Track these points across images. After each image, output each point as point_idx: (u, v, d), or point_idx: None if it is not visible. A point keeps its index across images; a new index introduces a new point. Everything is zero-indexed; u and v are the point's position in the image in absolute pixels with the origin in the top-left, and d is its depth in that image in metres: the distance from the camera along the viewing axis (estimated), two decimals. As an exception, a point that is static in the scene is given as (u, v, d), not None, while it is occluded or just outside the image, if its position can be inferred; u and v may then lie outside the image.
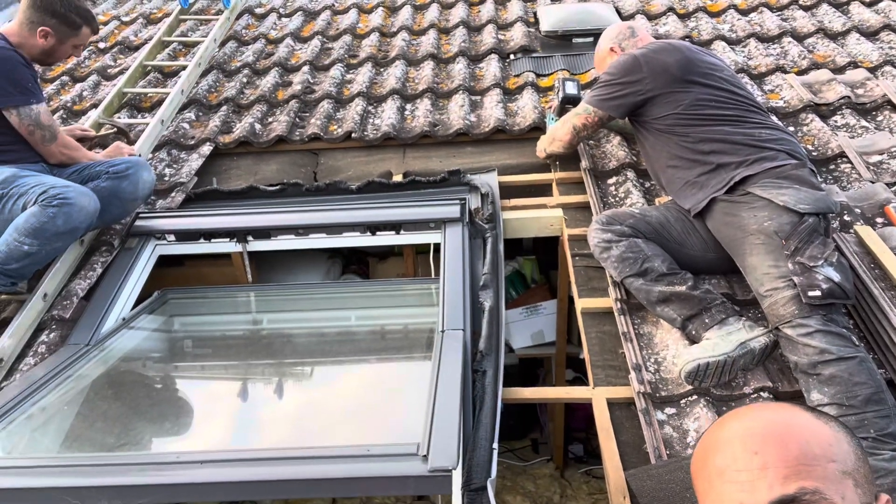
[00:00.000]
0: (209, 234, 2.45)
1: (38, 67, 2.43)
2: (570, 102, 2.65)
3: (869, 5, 3.57)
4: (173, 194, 2.69)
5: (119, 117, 3.15)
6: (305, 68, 3.51)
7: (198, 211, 2.53)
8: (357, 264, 3.33)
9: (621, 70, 2.20)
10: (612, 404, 1.83)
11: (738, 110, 2.06)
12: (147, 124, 2.94)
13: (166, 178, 2.80)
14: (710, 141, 2.00)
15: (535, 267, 3.43)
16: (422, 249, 2.76)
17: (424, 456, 1.34)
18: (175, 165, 2.91)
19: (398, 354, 2.16)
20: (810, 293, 1.62)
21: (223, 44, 3.87)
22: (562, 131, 2.46)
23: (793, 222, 1.72)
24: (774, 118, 2.42)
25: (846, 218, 2.16)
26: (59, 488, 1.35)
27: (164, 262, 2.65)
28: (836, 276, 1.64)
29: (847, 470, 0.70)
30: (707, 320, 1.78)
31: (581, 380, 3.46)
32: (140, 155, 2.70)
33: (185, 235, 2.46)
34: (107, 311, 2.16)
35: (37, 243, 2.00)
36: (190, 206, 2.64)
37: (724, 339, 1.70)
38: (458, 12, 3.97)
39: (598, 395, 1.85)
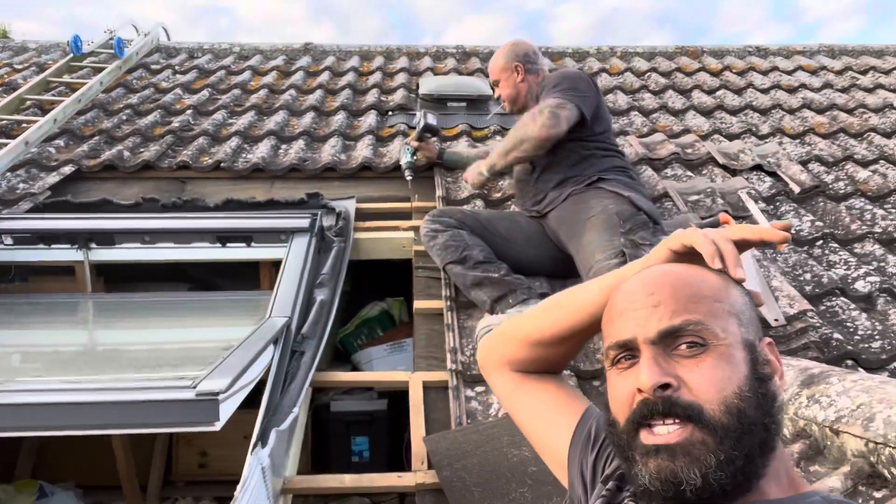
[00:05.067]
0: (48, 238, 2.39)
1: None
2: (429, 132, 2.83)
3: (708, 92, 4.07)
4: (21, 204, 2.63)
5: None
6: (189, 111, 3.61)
7: (38, 215, 2.48)
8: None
9: (579, 78, 2.25)
10: (428, 388, 1.86)
11: (610, 141, 2.31)
12: (8, 144, 2.91)
13: (17, 191, 2.74)
14: (590, 156, 2.20)
15: (404, 308, 3.47)
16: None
17: (195, 386, 1.32)
18: (31, 182, 2.86)
19: (222, 334, 2.12)
20: (634, 262, 1.77)
21: (111, 89, 3.93)
22: (534, 126, 2.10)
23: (632, 211, 1.94)
24: None
25: (659, 236, 2.37)
26: None
27: (5, 277, 2.55)
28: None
29: (733, 311, 0.74)
30: (511, 300, 1.88)
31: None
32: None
33: (22, 238, 2.39)
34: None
35: None
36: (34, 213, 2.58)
37: (520, 313, 1.79)
38: (347, 78, 4.23)
39: (415, 378, 1.88)
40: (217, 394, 1.28)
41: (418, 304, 2.18)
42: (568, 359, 1.02)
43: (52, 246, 2.42)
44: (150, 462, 3.22)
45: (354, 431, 3.34)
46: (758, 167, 3.02)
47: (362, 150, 3.17)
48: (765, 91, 4.05)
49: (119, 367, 1.87)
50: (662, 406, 0.70)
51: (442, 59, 4.71)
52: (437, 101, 3.81)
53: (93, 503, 3.06)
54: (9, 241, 2.38)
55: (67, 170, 2.94)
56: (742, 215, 2.62)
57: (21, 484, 2.93)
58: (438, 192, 2.78)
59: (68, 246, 2.42)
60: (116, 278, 2.87)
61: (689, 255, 0.79)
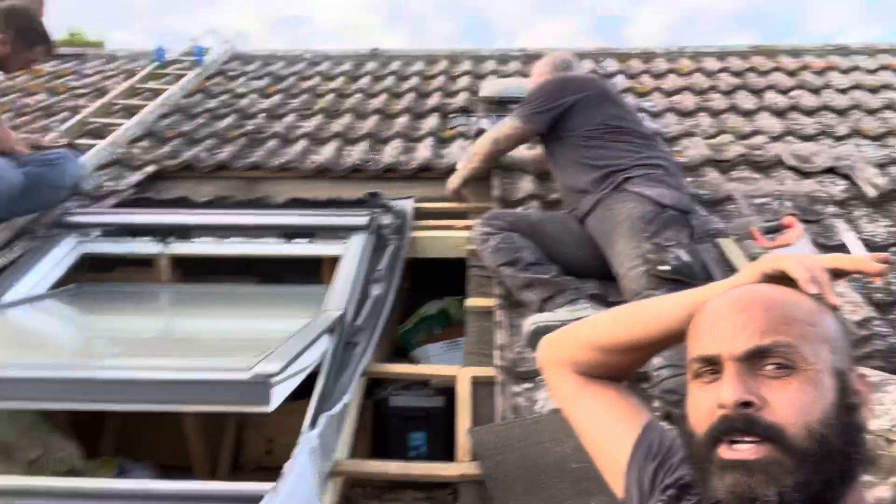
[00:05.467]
0: (131, 231, 2.58)
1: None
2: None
3: (782, 93, 3.92)
4: (107, 200, 2.84)
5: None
6: (262, 115, 3.80)
7: (122, 210, 2.67)
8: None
9: (548, 88, 2.41)
10: (477, 383, 1.90)
11: (635, 136, 2.29)
12: (98, 144, 3.15)
13: (105, 188, 2.96)
14: (606, 154, 2.20)
15: (461, 307, 3.52)
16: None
17: (251, 369, 1.41)
18: (117, 180, 3.09)
19: (282, 325, 2.23)
20: (660, 267, 1.76)
21: (191, 95, 4.18)
22: (482, 143, 2.58)
23: (655, 211, 1.91)
24: (667, 150, 2.60)
25: (717, 239, 2.32)
26: None
27: (94, 268, 2.77)
28: (685, 257, 1.79)
29: (825, 336, 0.74)
30: (560, 300, 1.90)
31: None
32: (85, 168, 2.89)
33: (108, 232, 2.59)
34: (11, 284, 2.24)
35: (-45, 206, 2.13)
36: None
37: (569, 312, 1.81)
38: (412, 81, 4.33)
39: (463, 373, 1.92)
40: (269, 376, 1.36)
41: (470, 302, 2.23)
42: (634, 368, 1.01)
43: (135, 239, 2.60)
44: (221, 446, 3.40)
45: (412, 426, 3.42)
46: (831, 170, 2.90)
47: (423, 152, 3.24)
48: (843, 91, 3.86)
49: (188, 351, 2.00)
50: (743, 423, 0.70)
51: (506, 63, 4.74)
52: (498, 104, 3.84)
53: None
54: (97, 233, 2.58)
55: (150, 169, 3.15)
56: (810, 219, 2.53)
57: (104, 461, 3.15)
58: (495, 193, 2.81)
59: (149, 239, 2.60)
60: (193, 271, 3.06)
61: (782, 280, 0.79)
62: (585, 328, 1.01)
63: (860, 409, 0.73)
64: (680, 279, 1.76)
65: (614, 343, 0.96)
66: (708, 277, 1.99)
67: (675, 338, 0.90)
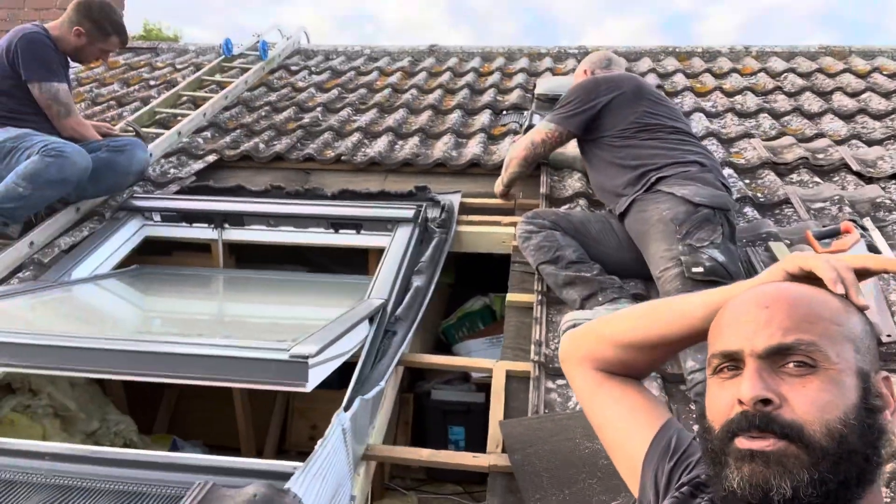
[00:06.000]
0: (189, 216, 2.70)
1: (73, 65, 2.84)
2: None
3: (851, 95, 3.75)
4: (170, 186, 2.99)
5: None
6: (319, 108, 3.90)
7: (182, 196, 2.80)
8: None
9: (581, 90, 2.39)
10: (511, 377, 1.91)
11: (670, 133, 2.24)
12: (164, 134, 3.31)
13: (168, 175, 3.11)
14: (640, 154, 2.17)
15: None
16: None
17: (290, 349, 1.47)
18: (180, 167, 3.23)
19: (327, 312, 2.30)
20: (694, 269, 1.72)
21: (254, 88, 4.33)
22: (518, 147, 2.58)
23: (688, 211, 1.85)
24: (705, 146, 2.51)
25: (770, 242, 2.25)
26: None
27: (154, 250, 2.91)
28: (720, 258, 1.74)
29: (850, 336, 0.72)
30: (601, 298, 1.88)
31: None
32: (152, 155, 3.04)
33: (168, 216, 2.72)
34: (79, 262, 2.39)
35: (30, 187, 2.29)
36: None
37: (608, 311, 1.79)
38: (467, 78, 4.35)
39: (499, 367, 1.93)
40: (307, 357, 1.41)
41: (511, 297, 2.23)
42: (653, 367, 1.01)
43: (193, 224, 2.72)
44: (267, 429, 3.52)
45: (451, 420, 3.45)
46: (898, 176, 2.76)
47: (473, 148, 3.26)
48: (919, 94, 3.67)
49: (237, 332, 2.09)
50: (760, 421, 0.70)
51: (563, 60, 4.71)
52: (552, 101, 3.81)
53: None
54: (157, 217, 2.72)
55: (211, 158, 3.28)
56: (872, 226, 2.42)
57: (157, 437, 3.31)
58: (542, 190, 2.80)
59: (205, 225, 2.72)
60: (247, 257, 3.18)
61: (808, 280, 0.78)
62: (606, 325, 1.01)
63: (884, 411, 0.72)
64: (715, 280, 1.72)
65: (635, 340, 0.95)
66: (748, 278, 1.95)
67: (696, 336, 0.89)
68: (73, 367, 1.62)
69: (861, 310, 0.76)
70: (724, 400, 0.74)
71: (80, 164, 2.36)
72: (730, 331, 0.76)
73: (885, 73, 4.03)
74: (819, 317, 0.73)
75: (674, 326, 0.91)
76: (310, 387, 1.45)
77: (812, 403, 0.69)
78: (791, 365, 0.71)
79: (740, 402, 0.71)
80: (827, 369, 0.70)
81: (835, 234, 2.15)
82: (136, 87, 4.49)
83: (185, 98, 4.02)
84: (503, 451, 1.62)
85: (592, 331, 1.02)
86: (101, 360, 1.57)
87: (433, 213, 2.70)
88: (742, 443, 0.70)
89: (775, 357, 0.71)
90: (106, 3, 2.72)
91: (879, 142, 3.14)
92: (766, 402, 0.69)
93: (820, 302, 0.75)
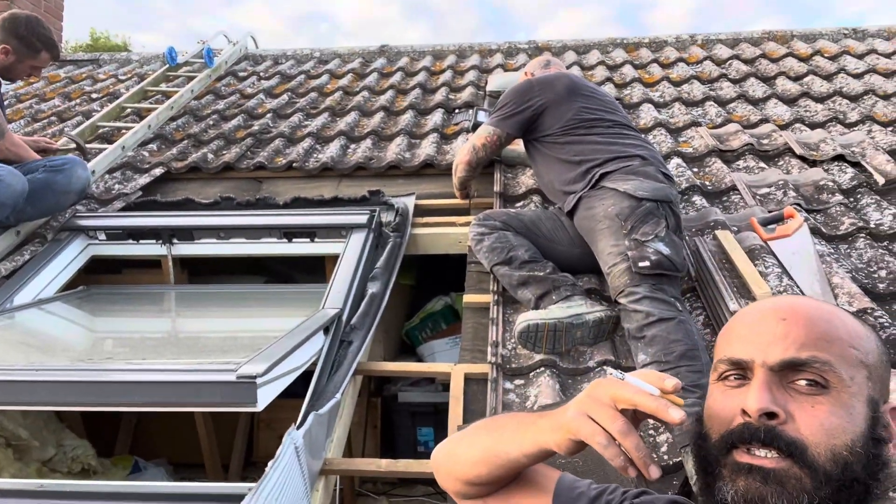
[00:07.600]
0: (136, 234, 2.63)
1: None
2: None
3: (794, 79, 3.84)
4: (115, 203, 2.90)
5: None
6: (269, 115, 3.83)
7: (127, 213, 2.72)
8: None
9: (514, 93, 2.41)
10: (470, 379, 1.90)
11: (608, 127, 2.25)
12: (107, 149, 3.21)
13: (113, 191, 3.02)
14: (582, 149, 2.18)
15: (467, 303, 3.53)
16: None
17: (237, 370, 1.43)
18: (125, 182, 3.14)
19: (283, 324, 2.26)
20: (640, 263, 1.74)
21: (201, 96, 4.23)
22: (462, 153, 2.58)
23: (632, 206, 1.87)
24: (644, 137, 2.53)
25: (717, 230, 2.28)
26: None
27: (104, 269, 2.82)
28: (665, 250, 1.76)
29: (866, 361, 0.70)
30: (554, 297, 1.88)
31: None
32: (94, 172, 2.95)
33: (113, 234, 2.64)
34: (21, 287, 2.30)
35: (-37, 213, 2.19)
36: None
37: (562, 309, 1.80)
38: (419, 78, 4.32)
39: (457, 370, 1.93)
40: (254, 377, 1.38)
41: (468, 298, 2.22)
42: (509, 480, 0.90)
43: (140, 241, 2.65)
44: (233, 444, 3.46)
45: (420, 422, 3.44)
46: (840, 157, 2.84)
47: (426, 148, 3.25)
48: (858, 76, 3.77)
49: (188, 351, 2.04)
50: (764, 435, 0.67)
51: (513, 56, 4.72)
52: (504, 98, 3.82)
53: (180, 479, 3.33)
54: (102, 236, 2.64)
55: (158, 171, 3.20)
56: (816, 208, 2.48)
57: (118, 459, 3.22)
58: (496, 188, 2.80)
59: (153, 241, 2.65)
60: (200, 271, 3.11)
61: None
62: (456, 464, 0.94)
63: (888, 444, 0.70)
64: (662, 273, 1.75)
65: (479, 480, 0.89)
66: (694, 269, 1.98)
67: (526, 466, 0.86)
68: (14, 402, 1.56)
69: (679, 423, 0.70)
70: (727, 408, 0.72)
71: (15, 187, 2.28)
72: (742, 339, 0.74)
73: (826, 55, 4.13)
74: (837, 337, 0.70)
75: (504, 463, 0.85)
76: (261, 406, 1.42)
77: (820, 425, 0.67)
78: (802, 382, 0.69)
79: (744, 413, 0.69)
80: (839, 392, 0.68)
81: (778, 219, 2.20)
82: (78, 100, 4.35)
83: (128, 110, 3.91)
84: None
85: (447, 467, 0.96)
86: (45, 392, 1.51)
87: (387, 217, 2.68)
88: (741, 456, 0.68)
89: (787, 371, 0.69)
90: (33, 18, 2.62)
91: (822, 124, 3.22)
92: (772, 415, 0.68)
93: (839, 320, 0.72)
